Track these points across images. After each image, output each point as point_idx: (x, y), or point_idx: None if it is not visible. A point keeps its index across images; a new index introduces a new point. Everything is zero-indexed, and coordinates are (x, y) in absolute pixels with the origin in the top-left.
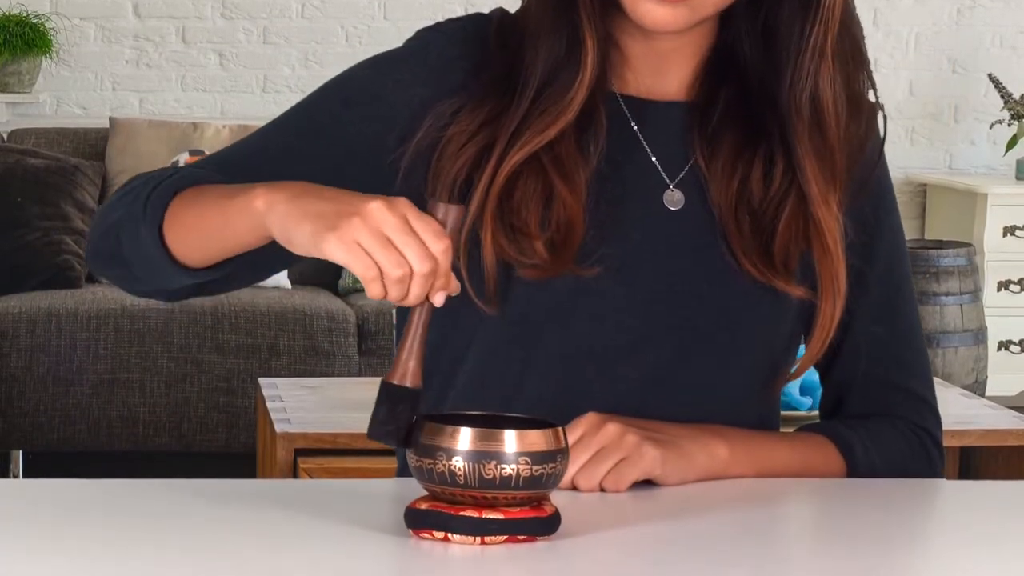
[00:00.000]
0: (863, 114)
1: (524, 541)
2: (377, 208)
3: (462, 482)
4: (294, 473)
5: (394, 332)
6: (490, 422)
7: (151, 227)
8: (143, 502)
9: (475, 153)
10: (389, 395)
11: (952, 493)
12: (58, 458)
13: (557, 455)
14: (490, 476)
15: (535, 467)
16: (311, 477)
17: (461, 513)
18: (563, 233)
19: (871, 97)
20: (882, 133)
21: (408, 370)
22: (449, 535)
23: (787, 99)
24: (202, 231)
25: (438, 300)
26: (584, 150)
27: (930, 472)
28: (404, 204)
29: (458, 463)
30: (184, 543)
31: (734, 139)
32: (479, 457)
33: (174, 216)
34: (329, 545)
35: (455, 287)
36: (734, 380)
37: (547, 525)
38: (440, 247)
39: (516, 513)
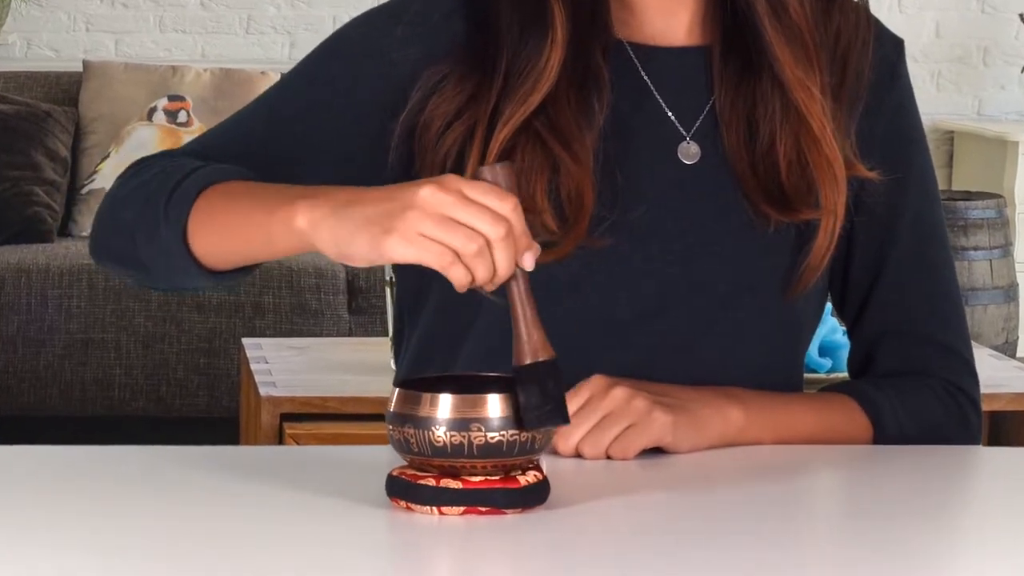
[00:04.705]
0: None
1: (487, 514)
2: (429, 193)
3: (416, 450)
4: (279, 439)
5: (387, 289)
6: (473, 384)
7: (174, 232)
8: (118, 469)
9: (462, 132)
10: (531, 376)
11: (987, 461)
12: (28, 423)
13: None
14: (440, 444)
15: (490, 434)
16: (298, 443)
17: (418, 482)
18: (573, 203)
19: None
20: (883, 38)
21: (536, 344)
22: (409, 504)
23: None
24: (236, 241)
25: (527, 263)
26: (587, 109)
27: (966, 436)
28: (453, 179)
29: (410, 429)
30: (161, 513)
31: (735, 77)
32: (429, 423)
33: (199, 221)
34: (314, 515)
35: (537, 247)
36: (756, 344)
37: (513, 497)
38: (507, 206)
39: (478, 483)
